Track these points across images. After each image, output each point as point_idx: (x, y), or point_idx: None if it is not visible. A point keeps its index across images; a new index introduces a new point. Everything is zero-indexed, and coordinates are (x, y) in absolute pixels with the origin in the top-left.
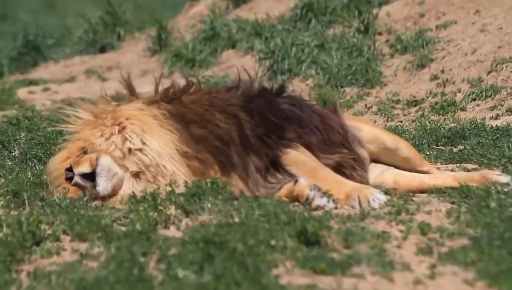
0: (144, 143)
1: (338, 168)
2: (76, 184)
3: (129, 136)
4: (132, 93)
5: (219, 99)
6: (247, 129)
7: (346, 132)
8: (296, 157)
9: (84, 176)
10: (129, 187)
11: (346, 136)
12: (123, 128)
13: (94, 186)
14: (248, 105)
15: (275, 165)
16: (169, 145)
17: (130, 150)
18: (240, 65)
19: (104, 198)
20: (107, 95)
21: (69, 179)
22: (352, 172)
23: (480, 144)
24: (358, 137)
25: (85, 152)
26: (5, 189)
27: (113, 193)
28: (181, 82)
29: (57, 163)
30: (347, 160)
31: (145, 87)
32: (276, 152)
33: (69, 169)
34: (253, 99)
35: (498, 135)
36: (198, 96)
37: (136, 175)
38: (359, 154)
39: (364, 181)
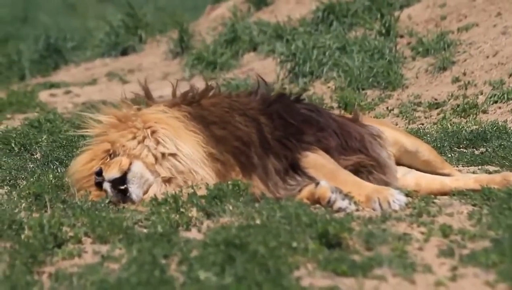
0: (177, 149)
1: (355, 172)
2: (105, 191)
3: (162, 140)
4: (149, 98)
5: (238, 102)
6: (267, 132)
7: (363, 138)
8: (315, 160)
9: (114, 181)
10: (157, 191)
11: (363, 142)
12: (154, 131)
13: (125, 193)
14: (267, 109)
15: (294, 168)
16: (198, 149)
17: (163, 155)
18: (261, 68)
19: (134, 203)
20: (127, 99)
21: (99, 184)
22: (369, 175)
23: (502, 146)
24: (381, 138)
25: (110, 155)
26: (27, 192)
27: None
28: (201, 86)
29: (79, 166)
30: (364, 164)
31: (166, 89)
32: (295, 155)
33: (99, 173)
34: (271, 103)
35: None
36: (217, 99)
37: (168, 180)
38: (378, 158)
39: (382, 184)
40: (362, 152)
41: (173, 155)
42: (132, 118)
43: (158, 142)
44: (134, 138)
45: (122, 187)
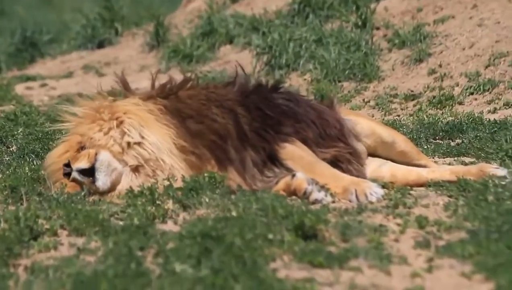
0: (143, 137)
1: (334, 162)
2: (74, 180)
3: (128, 130)
4: (127, 90)
5: (216, 94)
6: (244, 124)
7: (342, 127)
8: (293, 151)
9: (82, 171)
10: (128, 181)
11: (343, 131)
12: (121, 122)
13: (93, 181)
14: (245, 100)
15: (272, 159)
16: (166, 139)
17: (129, 144)
18: (237, 61)
19: (102, 193)
20: (104, 91)
21: (67, 175)
22: (348, 165)
23: (478, 137)
24: (355, 131)
25: (82, 147)
26: (3, 184)
27: (112, 188)
28: (179, 77)
29: (54, 158)
30: (343, 154)
31: (143, 82)
32: (273, 146)
33: (67, 165)
34: (249, 94)
35: (495, 129)
36: (195, 91)
37: (135, 169)
38: (356, 148)
39: (360, 175)
40: (341, 140)
41: (139, 143)
42: (100, 110)
43: (124, 133)
44: (100, 130)
45: (91, 178)
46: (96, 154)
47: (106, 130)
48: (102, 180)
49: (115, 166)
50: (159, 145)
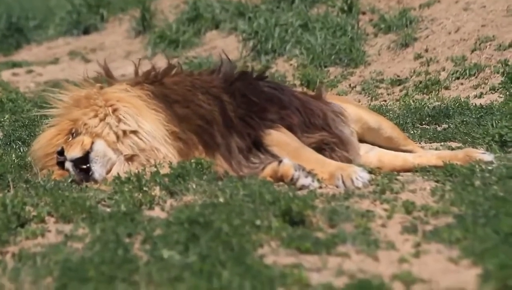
0: (139, 126)
1: (319, 149)
2: (67, 171)
3: (124, 117)
4: (111, 77)
5: (201, 81)
6: (230, 110)
7: (325, 115)
8: (278, 137)
9: (76, 161)
10: (121, 169)
11: (326, 119)
12: (116, 109)
13: (87, 172)
14: (230, 87)
15: (258, 146)
16: (160, 127)
17: (125, 132)
18: (223, 46)
19: (97, 182)
20: (90, 78)
21: (60, 164)
22: (332, 153)
23: (464, 122)
24: (342, 114)
25: (74, 133)
26: None
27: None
28: (164, 64)
29: (44, 141)
30: (327, 141)
31: (129, 68)
32: (258, 133)
33: (61, 153)
34: (234, 81)
35: (482, 114)
36: (179, 78)
37: (130, 158)
38: (341, 135)
39: (344, 161)
40: (325, 130)
41: (135, 132)
42: (94, 96)
43: (119, 120)
44: (95, 116)
45: (84, 167)
46: (92, 143)
47: (102, 116)
48: (98, 172)
49: (110, 156)
50: (155, 134)
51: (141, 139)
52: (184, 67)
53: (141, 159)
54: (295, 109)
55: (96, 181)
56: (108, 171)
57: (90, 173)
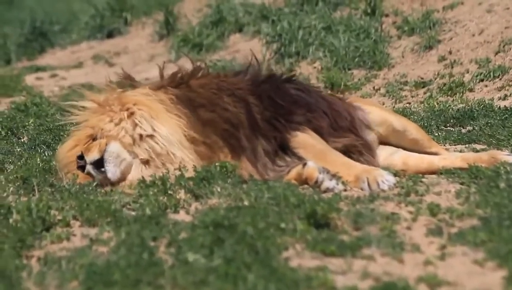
0: (154, 130)
1: (346, 152)
2: (88, 174)
3: (139, 121)
4: (134, 83)
5: (227, 83)
6: (256, 113)
7: (353, 118)
8: (305, 140)
9: (95, 163)
10: (138, 172)
11: (353, 122)
12: (132, 113)
13: (103, 172)
14: (257, 89)
15: (284, 148)
16: (177, 131)
17: (141, 136)
18: (247, 49)
19: (113, 184)
20: (113, 82)
21: (81, 168)
22: (360, 157)
23: (489, 124)
24: (367, 121)
25: (93, 139)
26: (15, 176)
27: (122, 178)
28: (189, 67)
29: (65, 151)
30: (354, 144)
31: (152, 72)
32: (284, 135)
33: (81, 157)
34: (261, 83)
35: (506, 116)
36: (206, 80)
37: (146, 162)
38: (366, 139)
39: (371, 165)
40: (352, 132)
41: (151, 136)
42: (111, 102)
43: (135, 124)
44: (111, 121)
45: (103, 169)
46: (106, 144)
47: (117, 120)
48: (111, 171)
49: (124, 157)
50: (170, 138)
51: (157, 143)
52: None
53: (156, 163)
54: (322, 112)
55: (110, 181)
56: (124, 171)
57: (104, 173)
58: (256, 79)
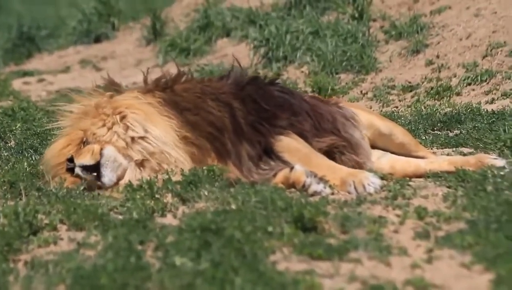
0: (146, 131)
1: (329, 153)
2: (77, 176)
3: (131, 124)
4: (117, 88)
5: (211, 87)
6: (240, 117)
7: (335, 119)
8: (289, 144)
9: (86, 167)
10: (133, 176)
11: (335, 124)
12: (124, 117)
13: (98, 177)
14: (240, 93)
15: (268, 152)
16: (170, 132)
17: (133, 139)
18: (234, 54)
19: (106, 188)
20: (99, 87)
21: (70, 170)
22: (341, 156)
23: (476, 128)
24: (354, 119)
25: (84, 142)
26: (2, 180)
27: (116, 183)
28: (175, 71)
29: (55, 151)
30: (337, 145)
31: (140, 76)
32: (268, 140)
33: (70, 160)
34: (244, 87)
35: (493, 119)
36: (189, 84)
37: (141, 163)
38: (350, 139)
39: (355, 164)
40: (334, 133)
41: (143, 138)
42: (103, 105)
43: (127, 127)
44: (103, 125)
45: (95, 174)
46: (101, 149)
47: (110, 124)
48: (108, 176)
49: (120, 161)
50: (164, 139)
51: (149, 143)
52: (196, 75)
53: (152, 164)
54: (306, 114)
55: (105, 186)
56: (119, 177)
57: (100, 178)
58: (239, 82)
